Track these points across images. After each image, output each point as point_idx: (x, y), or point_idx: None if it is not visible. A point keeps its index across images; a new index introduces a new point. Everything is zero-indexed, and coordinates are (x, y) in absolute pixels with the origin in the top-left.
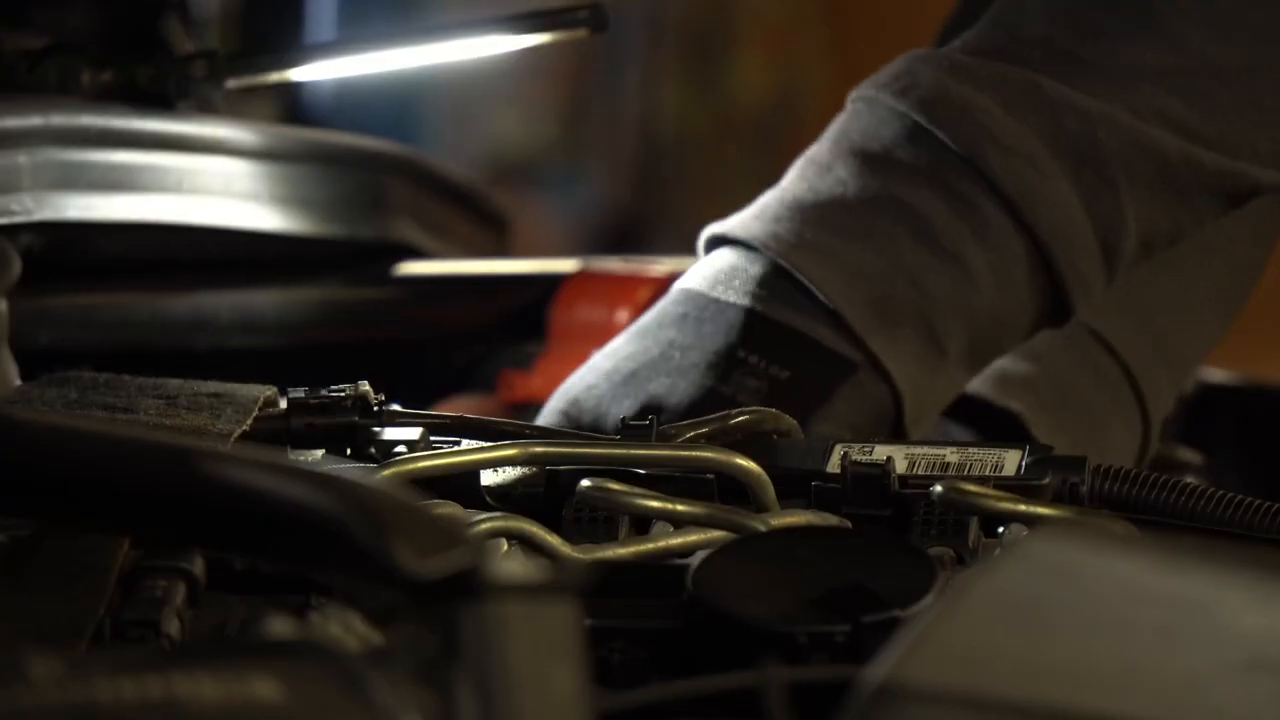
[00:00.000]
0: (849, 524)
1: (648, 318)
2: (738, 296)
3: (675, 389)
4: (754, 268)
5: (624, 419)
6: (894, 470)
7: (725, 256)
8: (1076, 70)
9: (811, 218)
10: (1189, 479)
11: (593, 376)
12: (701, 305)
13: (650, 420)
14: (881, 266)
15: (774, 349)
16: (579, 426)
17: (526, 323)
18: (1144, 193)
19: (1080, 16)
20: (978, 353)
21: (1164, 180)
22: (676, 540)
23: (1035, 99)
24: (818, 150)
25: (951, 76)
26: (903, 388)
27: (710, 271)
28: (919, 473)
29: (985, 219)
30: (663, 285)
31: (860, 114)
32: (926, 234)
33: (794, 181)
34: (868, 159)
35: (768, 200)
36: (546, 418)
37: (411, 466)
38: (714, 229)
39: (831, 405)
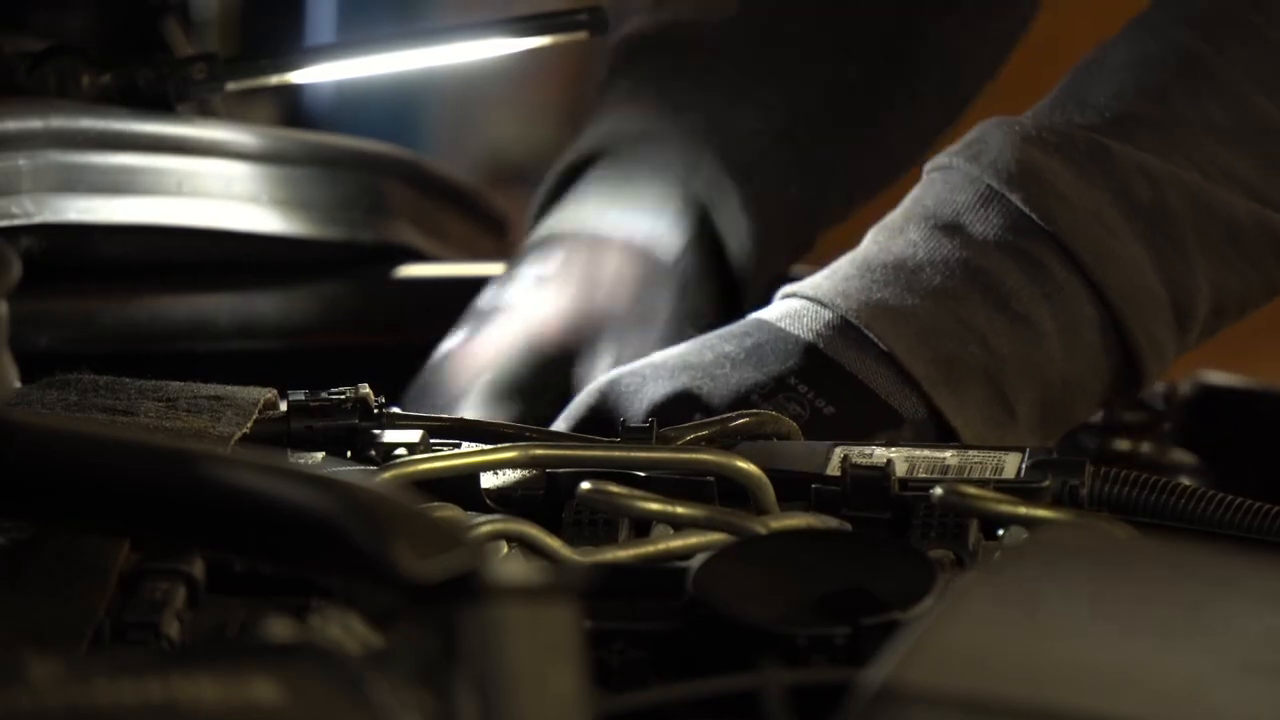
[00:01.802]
0: (849, 526)
1: (711, 333)
2: (803, 332)
3: (715, 392)
4: (825, 314)
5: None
6: (894, 473)
7: (796, 302)
8: (1145, 132)
9: (881, 277)
10: (1188, 482)
11: (639, 364)
12: (765, 331)
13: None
14: (950, 325)
15: (826, 385)
16: (610, 405)
17: None
18: (1215, 256)
19: (1144, 80)
20: (1049, 417)
21: (1235, 243)
22: (676, 543)
23: (1104, 162)
24: (891, 216)
25: (1023, 141)
26: None
27: (780, 309)
28: (919, 475)
29: (1057, 282)
30: None
31: (934, 181)
32: (997, 295)
33: (866, 244)
34: (940, 222)
35: (840, 262)
36: (583, 396)
37: (411, 469)
38: (786, 289)
39: None
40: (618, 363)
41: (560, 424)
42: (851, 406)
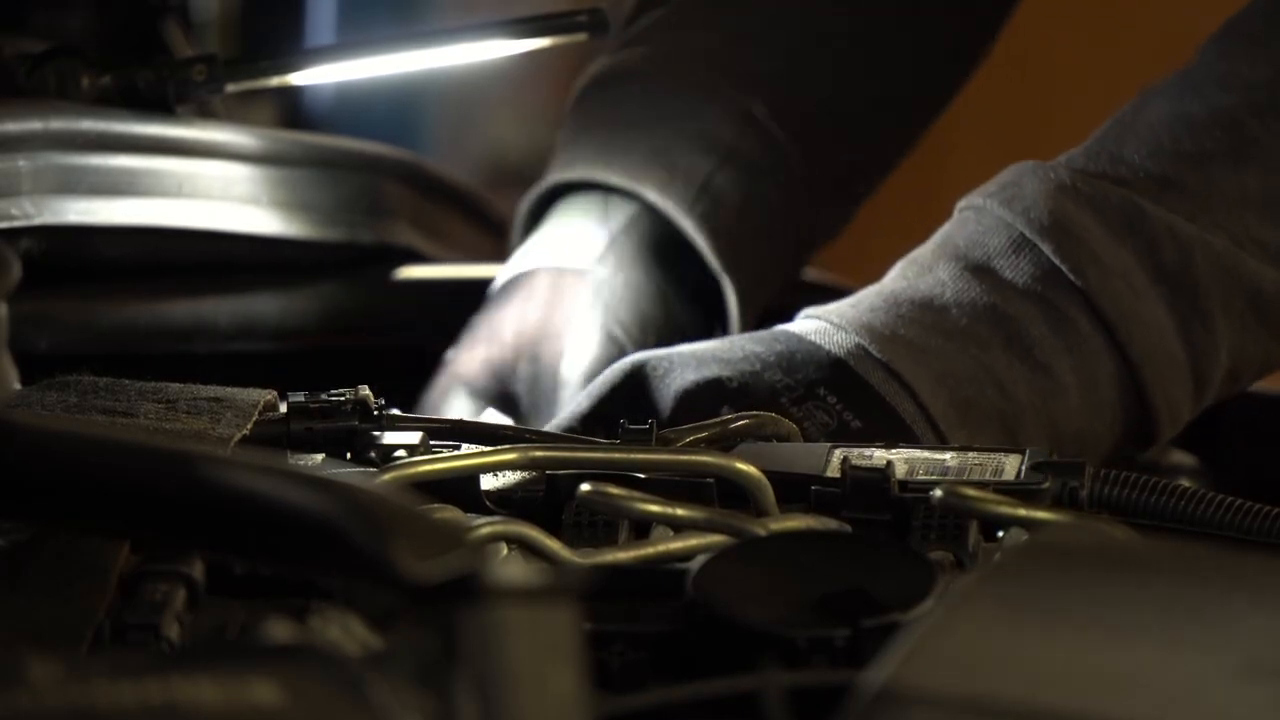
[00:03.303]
0: (849, 528)
1: (735, 335)
2: (833, 348)
3: (746, 388)
4: (851, 338)
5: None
6: (894, 474)
7: (822, 323)
8: (1177, 195)
9: (907, 312)
10: (1187, 483)
11: (670, 350)
12: (797, 341)
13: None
14: (971, 369)
15: (855, 400)
16: (635, 384)
17: None
18: (1237, 324)
19: (1182, 141)
20: None
21: (1258, 312)
22: (676, 544)
23: (1135, 221)
24: (920, 251)
25: (1057, 189)
26: None
27: (807, 326)
28: (919, 477)
29: (1080, 336)
30: None
31: (967, 221)
32: (1021, 343)
33: (893, 278)
34: (970, 264)
35: (865, 292)
36: (606, 375)
37: (411, 471)
38: (809, 311)
39: None
40: (543, 378)
41: (583, 399)
42: (880, 423)
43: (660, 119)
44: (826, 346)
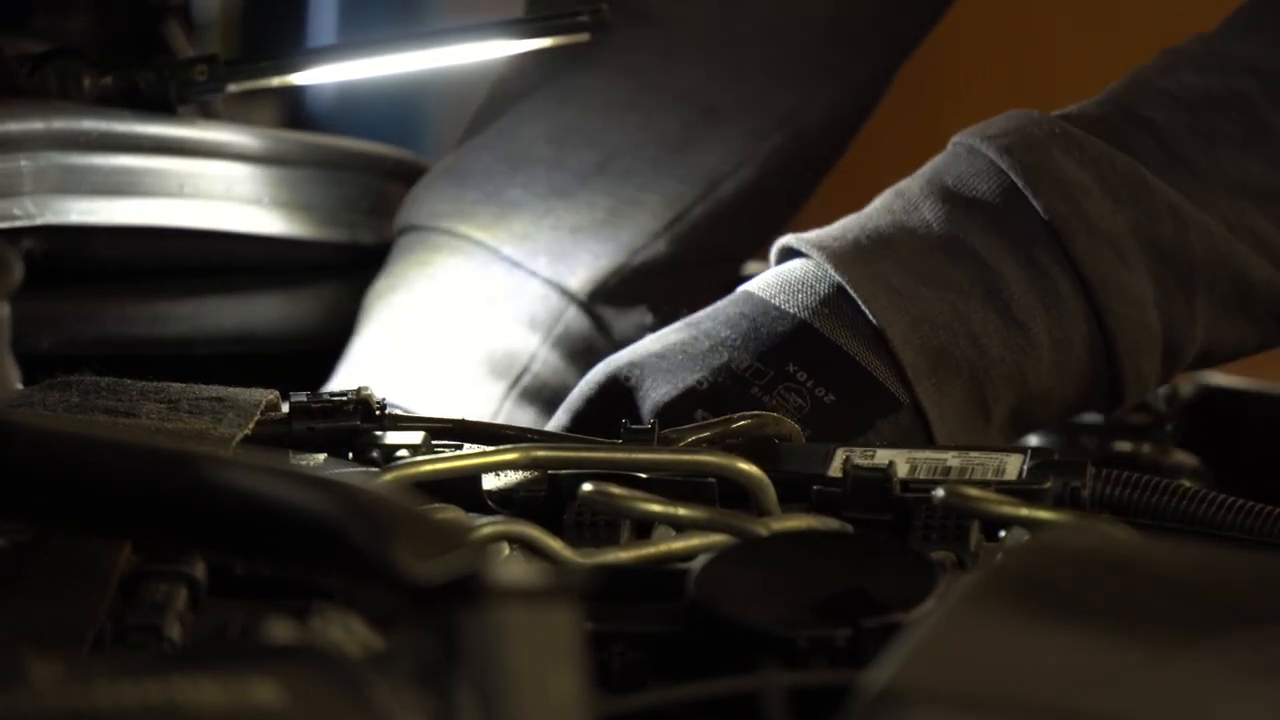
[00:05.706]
0: (850, 528)
1: (704, 312)
2: (798, 309)
3: (717, 389)
4: (821, 285)
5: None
6: (895, 474)
7: (795, 268)
8: (1183, 172)
9: (889, 254)
10: (1189, 483)
11: (638, 355)
12: (760, 310)
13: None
14: (947, 318)
15: (824, 370)
16: (611, 397)
17: None
18: (1220, 308)
19: (1198, 118)
20: (1019, 421)
21: (1242, 301)
22: (678, 544)
23: (1136, 191)
24: (908, 184)
25: (1060, 146)
26: (940, 441)
27: (776, 280)
28: (920, 477)
29: (1059, 296)
30: None
31: (959, 158)
32: (999, 297)
33: (879, 211)
34: (957, 207)
35: (849, 223)
36: (584, 386)
37: (413, 470)
38: (789, 240)
39: (867, 438)
40: None
41: (561, 414)
42: (851, 393)
43: None
44: (791, 309)
